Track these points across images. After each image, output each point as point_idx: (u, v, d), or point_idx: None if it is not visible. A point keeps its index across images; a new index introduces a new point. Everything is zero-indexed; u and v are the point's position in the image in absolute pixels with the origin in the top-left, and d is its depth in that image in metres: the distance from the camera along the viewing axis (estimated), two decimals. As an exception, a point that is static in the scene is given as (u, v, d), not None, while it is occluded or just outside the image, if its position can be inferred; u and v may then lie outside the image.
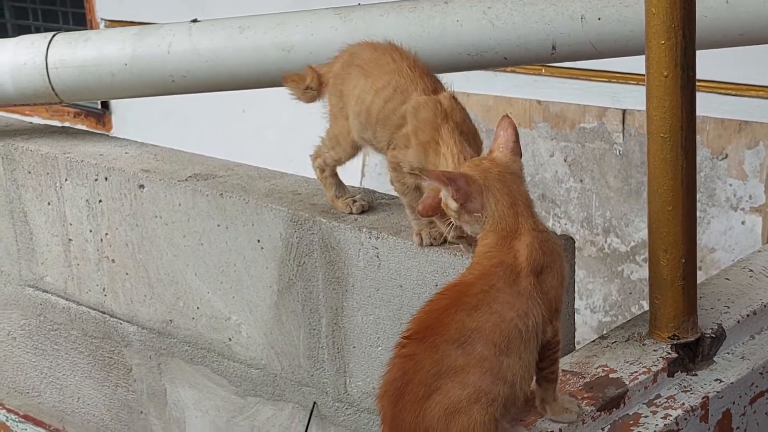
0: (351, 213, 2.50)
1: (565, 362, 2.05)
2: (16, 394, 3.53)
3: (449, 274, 2.23)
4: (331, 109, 2.43)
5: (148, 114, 5.23)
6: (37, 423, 3.49)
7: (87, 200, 3.03)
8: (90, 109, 5.89)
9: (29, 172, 3.15)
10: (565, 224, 4.15)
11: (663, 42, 1.93)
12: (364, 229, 2.41)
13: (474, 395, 1.59)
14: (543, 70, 4.20)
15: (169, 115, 5.11)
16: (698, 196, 3.49)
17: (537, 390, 1.78)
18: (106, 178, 2.97)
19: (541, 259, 1.67)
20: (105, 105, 5.83)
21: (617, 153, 3.97)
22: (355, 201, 2.50)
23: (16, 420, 3.55)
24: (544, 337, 1.68)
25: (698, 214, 3.38)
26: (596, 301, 4.05)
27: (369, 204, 2.54)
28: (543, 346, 1.69)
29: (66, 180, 3.07)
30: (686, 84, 1.96)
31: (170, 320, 2.95)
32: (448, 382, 1.58)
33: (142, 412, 3.16)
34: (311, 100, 2.49)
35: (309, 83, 2.47)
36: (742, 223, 3.62)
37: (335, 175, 2.51)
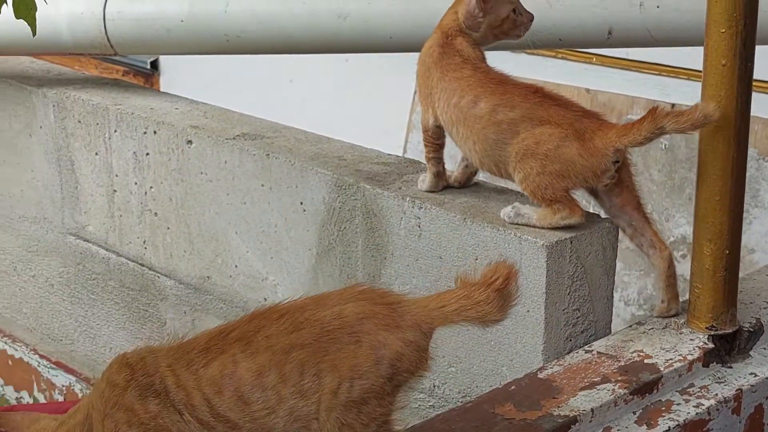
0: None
1: (600, 345, 2.06)
2: (49, 340, 3.58)
3: (489, 247, 2.24)
4: None
5: (196, 78, 5.25)
6: (69, 370, 3.53)
7: (134, 152, 3.05)
8: (139, 68, 5.91)
9: (79, 122, 3.18)
10: (606, 215, 4.12)
11: (723, 30, 1.93)
12: (408, 198, 2.42)
13: None
14: (594, 59, 4.17)
15: (216, 81, 5.12)
16: (743, 194, 3.45)
17: None
18: (154, 132, 2.99)
19: None
20: (154, 65, 5.84)
21: (662, 147, 3.94)
22: None
23: (48, 366, 3.59)
24: None
25: (742, 211, 3.32)
26: (631, 294, 4.03)
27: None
28: None
29: (115, 131, 3.09)
30: (743, 74, 1.96)
31: (208, 277, 2.97)
32: None
33: (172, 367, 3.18)
34: None
35: None
36: (785, 225, 3.59)
37: None
